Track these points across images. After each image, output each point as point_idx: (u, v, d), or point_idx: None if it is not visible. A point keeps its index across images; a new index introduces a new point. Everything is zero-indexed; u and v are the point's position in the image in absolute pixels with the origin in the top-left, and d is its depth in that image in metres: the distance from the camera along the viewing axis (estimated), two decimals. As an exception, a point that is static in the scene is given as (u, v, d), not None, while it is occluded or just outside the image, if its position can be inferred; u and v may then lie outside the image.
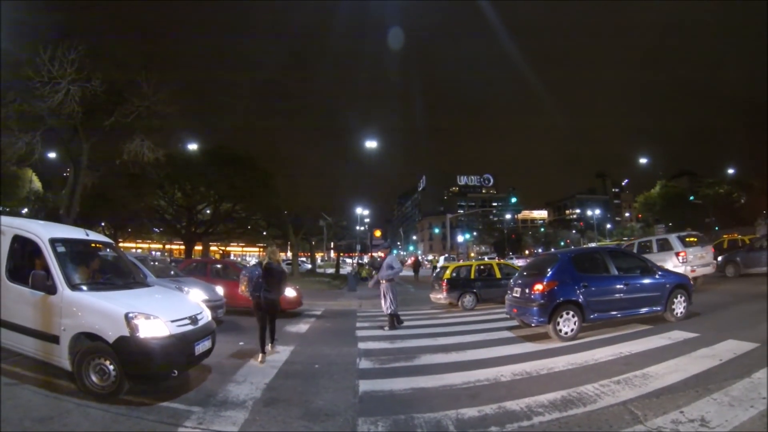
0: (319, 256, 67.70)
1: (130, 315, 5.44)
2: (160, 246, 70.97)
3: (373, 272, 33.42)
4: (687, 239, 15.84)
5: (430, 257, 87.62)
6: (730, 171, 62.94)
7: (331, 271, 49.31)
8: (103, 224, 40.93)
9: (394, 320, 11.70)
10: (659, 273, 10.27)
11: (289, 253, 50.23)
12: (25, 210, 40.93)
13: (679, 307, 10.01)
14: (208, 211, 37.82)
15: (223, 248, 75.42)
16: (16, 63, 16.75)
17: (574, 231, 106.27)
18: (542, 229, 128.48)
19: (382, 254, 12.83)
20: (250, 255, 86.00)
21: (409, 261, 59.35)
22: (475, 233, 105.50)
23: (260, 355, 8.21)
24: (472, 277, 16.82)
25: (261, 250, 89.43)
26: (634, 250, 15.53)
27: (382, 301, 11.91)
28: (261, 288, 8.66)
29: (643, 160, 62.23)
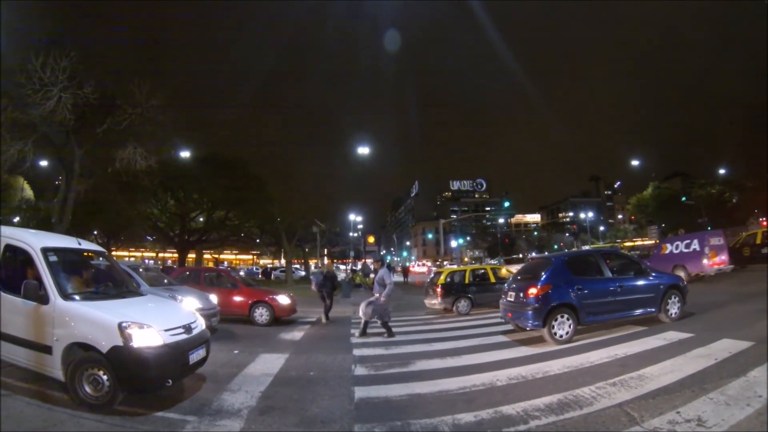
0: (312, 262, 67.53)
1: (124, 324, 5.39)
2: (154, 254, 70.71)
3: (366, 278, 33.51)
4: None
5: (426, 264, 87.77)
6: (722, 171, 63.32)
7: (325, 277, 49.09)
8: (95, 233, 40.82)
9: (366, 327, 11.66)
10: (653, 274, 10.32)
11: (283, 260, 50.20)
12: (17, 218, 40.64)
13: (674, 307, 10.06)
14: (201, 219, 37.72)
15: (216, 256, 75.32)
16: (7, 69, 16.67)
17: (567, 234, 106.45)
18: (535, 233, 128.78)
19: (375, 265, 12.78)
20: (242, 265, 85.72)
21: (399, 268, 60.29)
22: (468, 238, 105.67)
23: (324, 319, 15.25)
24: (467, 282, 16.85)
25: (255, 257, 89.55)
26: None
27: (366, 309, 11.61)
28: (323, 285, 15.77)
29: (635, 162, 62.49)
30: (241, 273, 47.82)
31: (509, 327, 10.96)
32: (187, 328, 6.27)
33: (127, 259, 55.55)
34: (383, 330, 11.47)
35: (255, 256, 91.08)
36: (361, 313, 11.70)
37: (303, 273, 53.33)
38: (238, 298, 14.29)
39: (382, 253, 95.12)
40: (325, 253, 69.14)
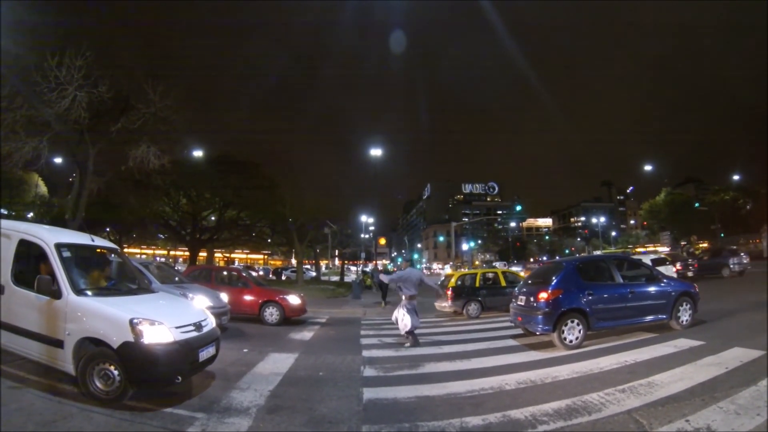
0: (323, 263, 67.61)
1: (135, 321, 5.43)
2: (165, 252, 71.11)
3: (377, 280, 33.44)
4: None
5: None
6: (736, 177, 62.80)
7: (335, 278, 49.25)
8: (108, 230, 41.13)
9: (416, 338, 10.60)
10: (664, 281, 10.24)
11: (293, 261, 50.28)
12: (31, 214, 41.08)
13: (685, 315, 9.97)
14: (213, 218, 37.88)
15: (227, 255, 75.64)
16: (24, 68, 16.85)
17: (579, 239, 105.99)
18: (547, 237, 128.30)
19: (404, 265, 12.24)
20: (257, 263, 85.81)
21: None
22: (479, 241, 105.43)
23: (383, 304, 20.48)
24: (477, 285, 16.80)
25: (266, 257, 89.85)
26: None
27: (406, 318, 10.59)
28: (377, 277, 22.99)
29: (648, 168, 62.22)
30: (260, 272, 48.10)
31: (519, 331, 10.91)
32: (198, 326, 6.30)
33: (138, 256, 55.89)
34: (398, 334, 11.02)
35: (266, 256, 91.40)
36: (402, 324, 10.64)
37: (313, 274, 53.38)
38: (248, 298, 14.31)
39: (393, 254, 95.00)
40: (337, 254, 69.32)
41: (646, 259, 16.73)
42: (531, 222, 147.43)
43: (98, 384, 5.42)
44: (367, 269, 43.32)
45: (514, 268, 37.30)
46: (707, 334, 9.04)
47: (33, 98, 17.09)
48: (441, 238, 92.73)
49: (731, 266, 24.67)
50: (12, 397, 5.43)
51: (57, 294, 5.74)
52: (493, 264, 76.56)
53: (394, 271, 21.64)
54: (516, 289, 11.36)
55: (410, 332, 10.48)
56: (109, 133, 19.33)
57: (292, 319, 14.40)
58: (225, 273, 17.40)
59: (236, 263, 70.23)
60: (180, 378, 5.74)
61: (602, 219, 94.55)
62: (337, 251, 67.35)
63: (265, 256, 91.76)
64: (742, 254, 25.97)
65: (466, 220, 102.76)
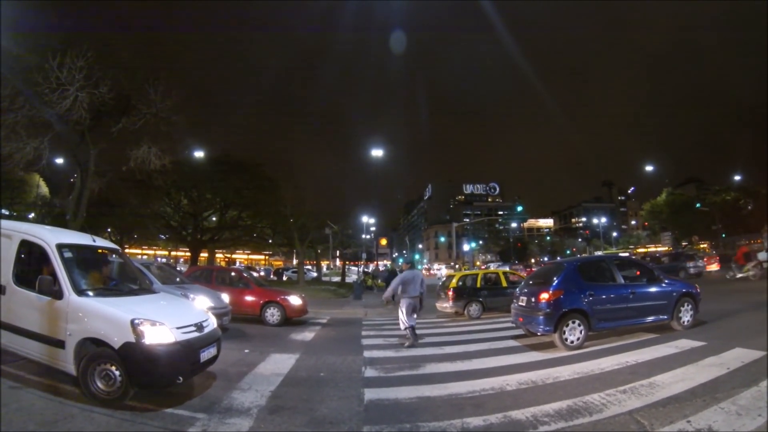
0: (324, 264, 67.53)
1: (136, 321, 5.44)
2: (166, 252, 71.10)
3: (377, 280, 33.50)
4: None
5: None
6: (737, 178, 62.81)
7: (336, 279, 49.21)
8: (109, 230, 41.13)
9: (416, 334, 10.71)
10: (665, 281, 10.23)
11: (295, 261, 50.34)
12: (32, 215, 41.14)
13: (686, 315, 9.96)
14: (214, 219, 37.85)
15: (229, 255, 75.62)
16: (25, 69, 16.85)
17: (580, 239, 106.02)
18: (548, 238, 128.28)
19: (404, 267, 12.08)
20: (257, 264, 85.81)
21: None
22: (481, 242, 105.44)
23: (386, 303, 14.65)
24: (478, 285, 16.80)
25: (267, 257, 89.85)
26: None
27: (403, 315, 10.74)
28: (387, 279, 20.92)
29: (649, 168, 62.20)
30: (262, 273, 48.21)
31: (520, 332, 10.90)
32: (199, 327, 6.30)
33: (140, 256, 55.88)
34: (400, 334, 11.18)
35: (267, 257, 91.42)
36: (400, 321, 10.87)
37: (315, 274, 53.35)
38: (249, 298, 14.29)
39: (394, 255, 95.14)
40: (338, 254, 69.29)
41: None
42: (532, 222, 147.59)
43: (99, 384, 5.42)
44: (368, 270, 43.32)
45: (504, 268, 37.52)
46: (708, 334, 9.03)
47: (34, 99, 17.09)
48: (442, 239, 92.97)
49: (688, 269, 27.15)
50: (13, 398, 5.43)
51: (58, 294, 5.74)
52: (489, 265, 76.70)
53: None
54: (517, 289, 11.35)
55: (410, 327, 10.53)
56: (111, 134, 19.35)
57: (293, 319, 14.40)
58: (226, 273, 17.41)
59: (237, 264, 70.23)
60: (181, 378, 5.75)
61: (603, 219, 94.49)
62: (338, 252, 67.25)
63: (267, 257, 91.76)
64: (698, 259, 29.77)
65: (467, 220, 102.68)
